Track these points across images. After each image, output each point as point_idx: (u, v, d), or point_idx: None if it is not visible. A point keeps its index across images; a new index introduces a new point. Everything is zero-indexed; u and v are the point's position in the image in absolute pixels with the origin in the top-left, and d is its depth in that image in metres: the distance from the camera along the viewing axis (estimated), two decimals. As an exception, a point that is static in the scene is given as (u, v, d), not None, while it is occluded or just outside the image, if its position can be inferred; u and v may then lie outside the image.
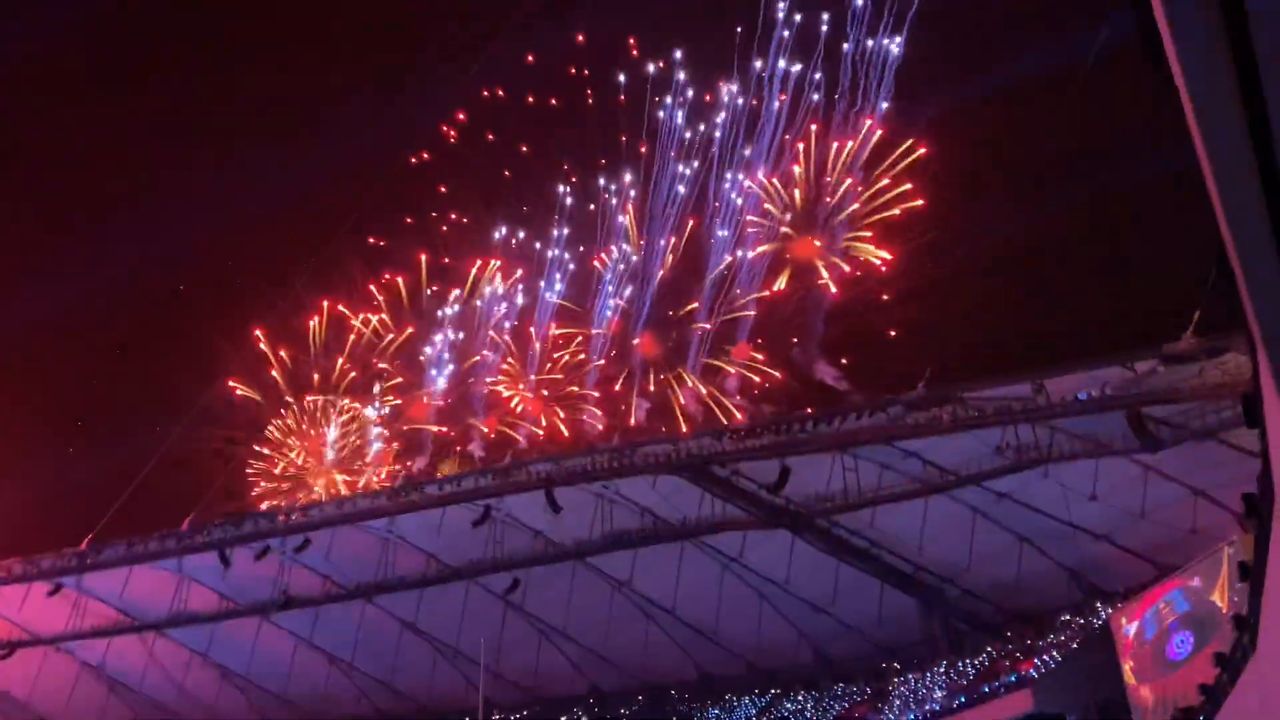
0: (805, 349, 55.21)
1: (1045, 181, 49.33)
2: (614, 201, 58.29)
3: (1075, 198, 45.45)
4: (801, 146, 55.74)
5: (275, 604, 41.35)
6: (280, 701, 45.76)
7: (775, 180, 56.37)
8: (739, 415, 53.14)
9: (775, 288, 55.80)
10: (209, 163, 66.75)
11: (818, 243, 55.36)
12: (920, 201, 52.66)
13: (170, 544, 41.62)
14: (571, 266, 59.31)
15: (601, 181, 58.59)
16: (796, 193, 55.86)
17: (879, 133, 53.57)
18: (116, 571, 41.90)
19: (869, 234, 54.14)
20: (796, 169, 55.82)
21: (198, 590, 42.71)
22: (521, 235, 60.28)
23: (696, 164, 56.94)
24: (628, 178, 57.95)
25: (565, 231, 59.49)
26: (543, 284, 59.35)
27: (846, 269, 54.52)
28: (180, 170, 66.42)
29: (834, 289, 54.49)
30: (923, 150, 52.69)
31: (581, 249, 59.36)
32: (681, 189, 57.18)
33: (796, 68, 54.91)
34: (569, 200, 59.31)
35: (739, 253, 56.53)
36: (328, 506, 40.87)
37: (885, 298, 53.20)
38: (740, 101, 55.86)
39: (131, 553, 41.47)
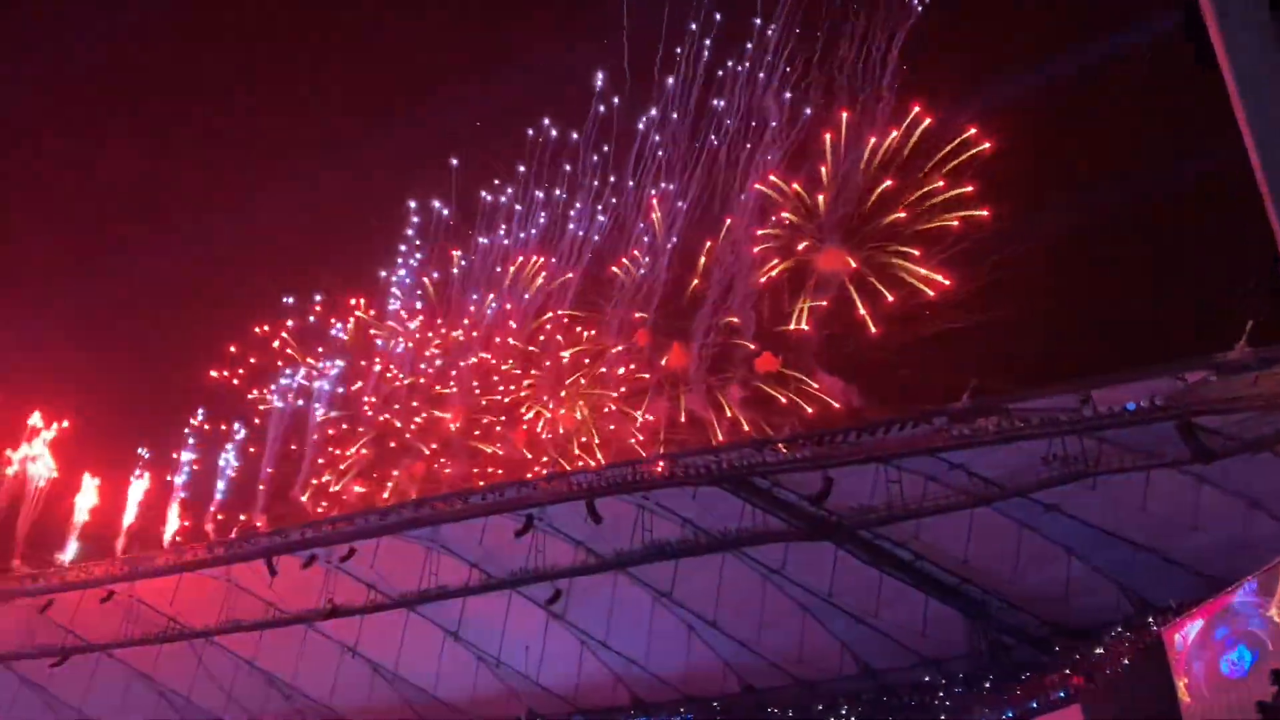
0: (804, 360, 52.59)
1: (1090, 180, 47.64)
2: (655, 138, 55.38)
3: (1121, 198, 44.22)
4: (828, 138, 51.99)
5: (321, 613, 41.83)
6: (325, 709, 46.26)
7: (797, 185, 53.55)
8: (768, 430, 51.57)
9: (807, 303, 52.60)
10: (249, 160, 67.70)
11: (853, 263, 52.31)
12: (985, 212, 47.83)
13: (219, 552, 42.38)
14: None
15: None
16: (820, 198, 52.44)
17: (927, 121, 49.40)
18: (167, 579, 42.74)
19: (916, 251, 50.11)
20: (823, 169, 52.44)
21: (245, 598, 43.35)
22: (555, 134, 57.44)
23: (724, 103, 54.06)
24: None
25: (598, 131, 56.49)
26: (577, 206, 57.07)
27: (889, 298, 50.23)
28: (218, 173, 67.58)
29: (873, 327, 50.21)
30: (987, 146, 47.71)
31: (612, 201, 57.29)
32: (720, 131, 54.03)
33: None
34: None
35: (747, 273, 53.66)
36: (371, 516, 41.23)
37: (928, 313, 51.14)
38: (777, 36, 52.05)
39: (181, 561, 42.29)
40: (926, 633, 37.87)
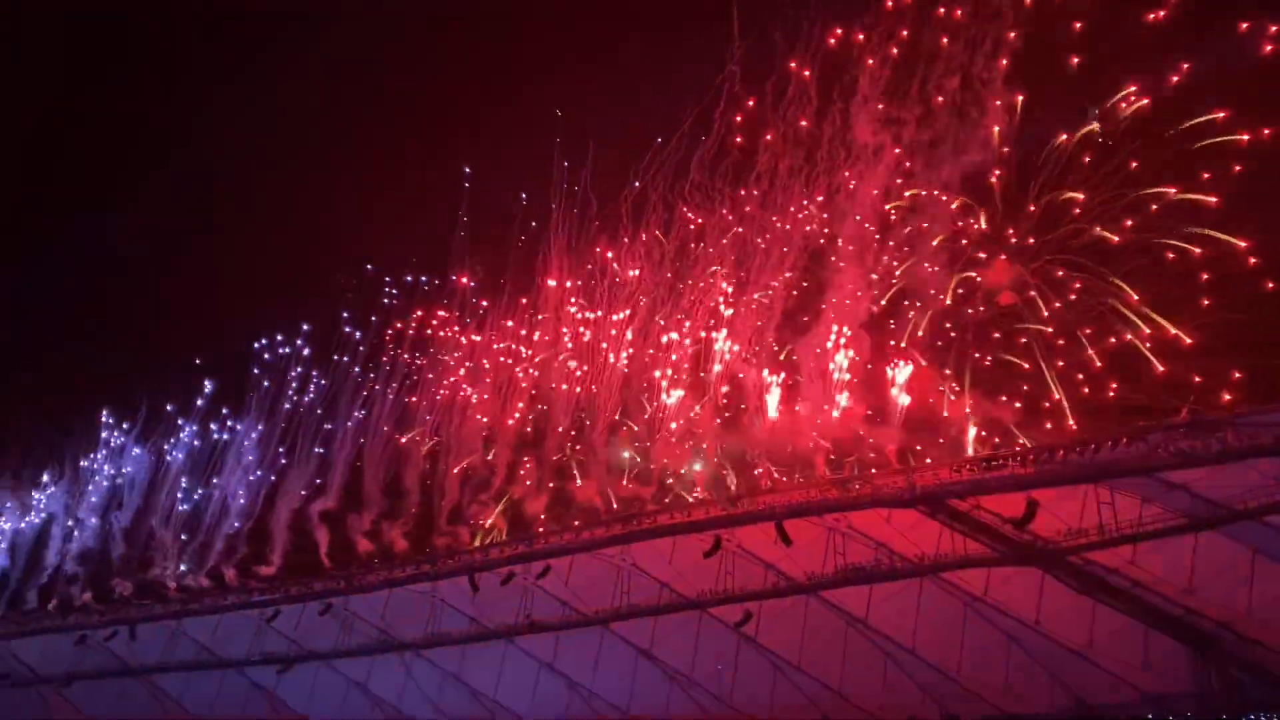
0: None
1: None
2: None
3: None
4: (996, 131, 45.79)
5: (520, 628, 43.25)
6: (526, 724, 47.60)
7: (960, 200, 47.88)
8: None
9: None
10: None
11: (1039, 302, 45.38)
12: (1243, 243, 38.35)
13: (425, 569, 44.60)
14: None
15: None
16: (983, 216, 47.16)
17: (1136, 104, 41.24)
18: (378, 594, 45.35)
19: (1134, 293, 42.00)
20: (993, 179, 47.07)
21: (449, 613, 45.37)
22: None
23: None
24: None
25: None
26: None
27: (1094, 359, 43.06)
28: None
29: (1071, 421, 42.57)
30: (1244, 137, 38.35)
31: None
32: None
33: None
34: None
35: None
36: (567, 534, 42.37)
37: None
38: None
39: (391, 577, 44.81)
40: (1148, 667, 35.17)
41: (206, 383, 63.41)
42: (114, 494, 64.26)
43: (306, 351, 62.69)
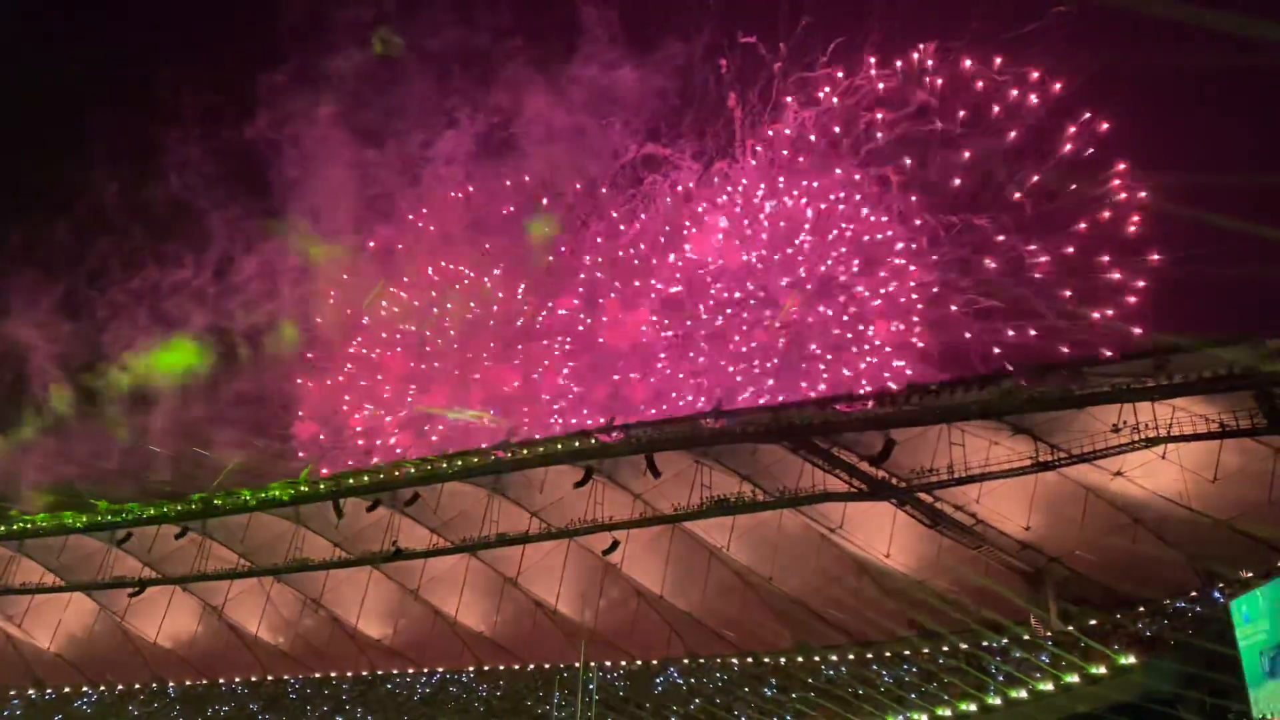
0: None
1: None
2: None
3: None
4: None
5: (384, 555, 42.83)
6: (388, 652, 47.41)
7: None
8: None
9: None
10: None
11: None
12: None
13: (288, 493, 43.59)
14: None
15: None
16: None
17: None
18: (239, 518, 44.13)
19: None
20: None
21: (312, 539, 44.55)
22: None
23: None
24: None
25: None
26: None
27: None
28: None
29: None
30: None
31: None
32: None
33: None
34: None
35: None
36: (437, 461, 42.02)
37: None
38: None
39: (253, 499, 43.63)
40: (986, 597, 37.48)
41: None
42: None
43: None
